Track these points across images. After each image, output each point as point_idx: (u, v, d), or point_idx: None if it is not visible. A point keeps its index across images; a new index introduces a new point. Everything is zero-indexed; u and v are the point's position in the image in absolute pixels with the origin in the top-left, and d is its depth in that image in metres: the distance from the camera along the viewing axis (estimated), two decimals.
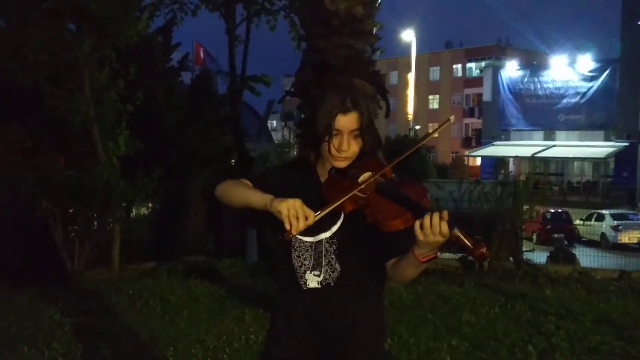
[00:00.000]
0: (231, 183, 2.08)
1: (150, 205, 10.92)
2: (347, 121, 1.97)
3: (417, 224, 1.75)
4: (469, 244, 1.74)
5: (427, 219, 1.74)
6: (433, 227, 1.73)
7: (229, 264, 8.61)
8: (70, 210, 8.26)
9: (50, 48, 8.35)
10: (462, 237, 1.74)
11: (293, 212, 1.80)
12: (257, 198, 1.94)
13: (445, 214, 1.75)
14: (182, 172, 11.19)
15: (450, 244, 1.79)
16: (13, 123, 9.28)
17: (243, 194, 2.00)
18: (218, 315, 6.01)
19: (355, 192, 1.90)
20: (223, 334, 5.25)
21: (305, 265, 2.05)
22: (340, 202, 1.90)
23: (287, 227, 1.80)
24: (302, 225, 1.80)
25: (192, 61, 18.93)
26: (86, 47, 8.44)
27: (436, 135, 2.25)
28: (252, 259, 9.31)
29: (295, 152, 32.18)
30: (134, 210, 10.24)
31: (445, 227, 1.72)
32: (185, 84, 15.04)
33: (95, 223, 8.36)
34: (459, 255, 8.92)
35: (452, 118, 2.04)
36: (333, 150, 1.99)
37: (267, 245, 9.46)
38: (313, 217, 1.83)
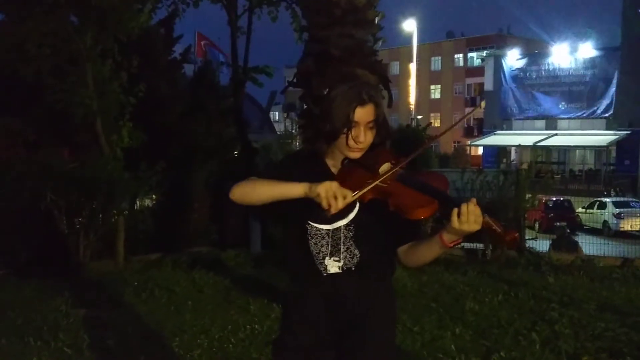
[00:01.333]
0: (250, 182, 2.07)
1: (154, 196, 10.93)
2: (364, 113, 2.02)
3: (455, 212, 1.82)
4: (500, 231, 1.78)
5: (464, 207, 1.81)
6: (470, 215, 1.80)
7: (233, 255, 8.65)
8: (75, 203, 8.28)
9: (52, 42, 8.33)
10: (492, 224, 1.79)
11: (331, 192, 1.86)
12: (292, 188, 1.97)
13: (474, 201, 1.82)
14: (185, 163, 11.18)
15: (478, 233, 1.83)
16: (16, 116, 9.29)
17: (273, 188, 2.01)
18: (223, 305, 6.06)
19: (378, 182, 1.95)
20: (228, 324, 5.30)
21: (323, 252, 2.09)
22: (372, 186, 1.95)
23: (326, 207, 1.87)
24: (340, 204, 1.86)
25: (195, 53, 18.89)
26: (88, 39, 8.43)
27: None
28: (256, 249, 9.33)
29: (297, 143, 32.14)
30: (138, 202, 10.25)
31: (481, 216, 1.79)
32: (187, 75, 15.02)
33: (100, 215, 8.39)
34: (463, 244, 8.94)
35: (483, 104, 2.10)
36: (350, 142, 2.03)
37: (271, 235, 9.48)
38: (351, 196, 1.89)
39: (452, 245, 1.93)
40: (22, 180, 8.05)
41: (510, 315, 5.61)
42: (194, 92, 12.83)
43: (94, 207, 8.26)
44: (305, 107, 7.08)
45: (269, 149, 25.75)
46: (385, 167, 2.00)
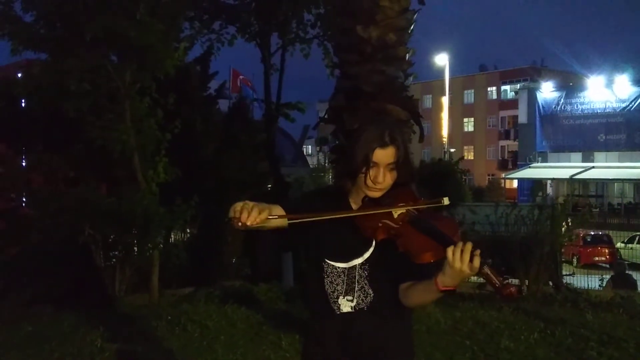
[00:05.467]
0: None
1: (188, 230, 11.07)
2: (384, 155, 2.06)
3: (450, 249, 1.82)
4: (497, 283, 1.79)
5: (460, 243, 1.82)
6: (465, 254, 1.80)
7: (266, 289, 8.64)
8: (111, 237, 8.44)
9: (92, 79, 8.60)
10: (491, 275, 1.80)
11: (247, 206, 1.93)
12: None
13: (477, 251, 1.81)
14: (219, 197, 11.34)
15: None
16: (57, 152, 9.57)
17: None
18: (255, 340, 6.06)
19: (387, 221, 1.98)
20: (260, 359, 5.29)
21: (338, 290, 2.12)
22: (371, 231, 1.99)
23: (237, 215, 1.93)
24: (253, 216, 1.92)
25: (229, 89, 19.26)
26: (127, 77, 8.67)
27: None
28: (289, 283, 9.33)
29: (330, 177, 32.25)
30: (172, 236, 10.39)
31: (476, 261, 1.79)
32: (222, 111, 15.31)
33: (135, 249, 8.51)
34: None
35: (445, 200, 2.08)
36: (369, 181, 2.07)
37: (303, 269, 9.49)
38: (266, 214, 1.96)
39: (443, 289, 1.89)
40: (61, 214, 8.24)
41: (547, 354, 5.48)
42: (228, 127, 13.07)
43: (129, 241, 8.39)
44: (337, 142, 7.15)
45: (301, 183, 25.88)
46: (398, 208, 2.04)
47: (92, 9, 8.17)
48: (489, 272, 1.80)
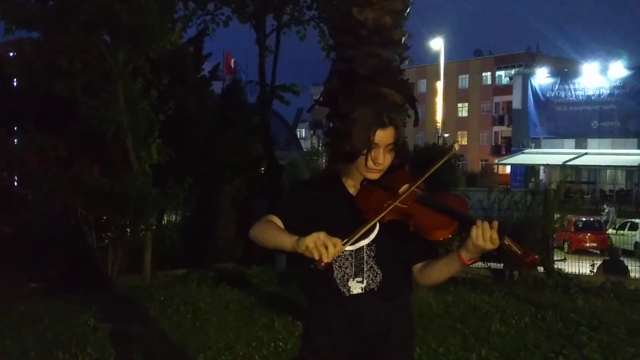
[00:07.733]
0: (261, 226, 2.09)
1: (181, 212, 11.06)
2: (384, 135, 2.07)
3: (474, 229, 1.87)
4: (519, 252, 1.82)
5: (479, 225, 1.87)
6: (485, 234, 1.85)
7: (258, 272, 8.67)
8: (104, 218, 8.42)
9: (85, 58, 8.52)
10: (512, 245, 1.84)
11: (320, 242, 1.85)
12: (285, 241, 1.98)
13: (495, 223, 1.87)
14: (212, 180, 11.32)
15: (497, 253, 1.88)
16: (49, 132, 9.51)
17: (273, 238, 2.03)
18: (247, 322, 6.08)
19: (397, 203, 1.98)
20: (252, 341, 5.31)
21: (347, 273, 2.12)
22: (380, 216, 1.98)
23: (317, 257, 1.85)
24: (332, 252, 1.84)
25: (223, 71, 19.14)
26: (120, 57, 8.60)
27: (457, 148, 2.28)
28: (281, 266, 9.35)
29: (324, 160, 32.20)
30: (165, 218, 10.38)
31: (496, 236, 1.84)
32: (216, 93, 15.23)
33: (128, 230, 8.50)
34: (489, 264, 8.85)
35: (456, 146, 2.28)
36: (370, 163, 2.07)
37: (296, 252, 9.51)
38: (340, 244, 1.88)
39: (469, 263, 1.97)
40: (54, 195, 8.21)
41: (537, 337, 5.52)
42: (222, 110, 13.02)
43: (122, 222, 8.38)
44: (331, 125, 7.11)
45: (295, 166, 25.85)
46: (404, 188, 2.04)
47: None
48: (510, 244, 1.83)
